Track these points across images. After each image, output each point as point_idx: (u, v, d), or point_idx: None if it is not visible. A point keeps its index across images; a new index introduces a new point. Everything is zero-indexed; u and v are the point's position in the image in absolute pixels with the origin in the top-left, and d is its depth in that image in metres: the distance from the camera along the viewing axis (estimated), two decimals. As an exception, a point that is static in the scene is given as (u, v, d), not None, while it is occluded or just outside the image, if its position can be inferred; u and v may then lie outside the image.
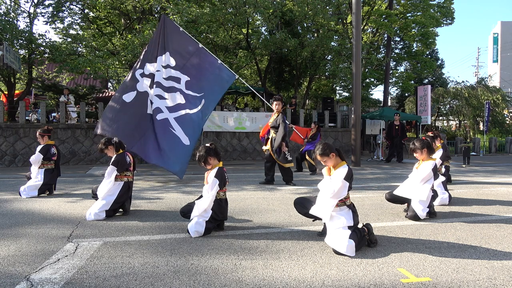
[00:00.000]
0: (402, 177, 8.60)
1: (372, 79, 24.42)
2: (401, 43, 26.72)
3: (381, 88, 24.37)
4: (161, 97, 8.01)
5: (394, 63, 26.58)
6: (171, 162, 7.90)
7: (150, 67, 8.16)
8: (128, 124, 8.06)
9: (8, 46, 13.22)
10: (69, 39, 16.12)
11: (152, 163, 8.20)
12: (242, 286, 2.81)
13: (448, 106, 29.61)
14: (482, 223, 4.72)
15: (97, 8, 16.43)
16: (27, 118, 14.31)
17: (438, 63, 32.85)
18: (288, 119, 15.17)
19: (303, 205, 4.08)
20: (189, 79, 7.94)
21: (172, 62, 8.02)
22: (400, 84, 26.68)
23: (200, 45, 7.89)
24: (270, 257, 3.42)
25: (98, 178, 8.81)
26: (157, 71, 8.06)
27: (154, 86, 8.06)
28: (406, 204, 5.10)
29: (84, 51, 15.67)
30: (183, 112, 7.98)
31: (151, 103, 8.09)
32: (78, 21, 18.03)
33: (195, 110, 7.94)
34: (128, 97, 8.18)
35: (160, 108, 8.02)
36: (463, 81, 41.98)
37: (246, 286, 2.82)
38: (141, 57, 8.49)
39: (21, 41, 14.99)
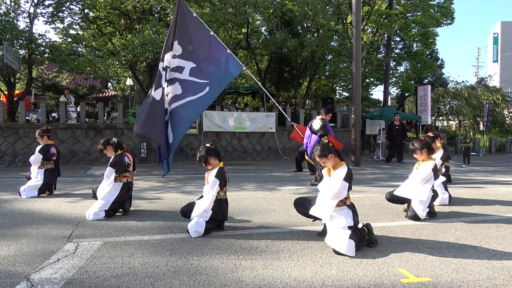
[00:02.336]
0: (402, 177, 8.60)
1: (372, 79, 24.41)
2: (401, 43, 26.71)
3: (381, 88, 24.38)
4: (167, 93, 7.83)
5: (394, 63, 26.57)
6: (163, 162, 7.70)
7: (167, 57, 7.99)
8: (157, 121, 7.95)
9: (8, 46, 13.21)
10: (69, 39, 16.10)
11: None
12: (242, 286, 2.81)
13: (448, 106, 29.62)
14: (482, 223, 4.72)
15: (97, 8, 16.42)
16: (27, 118, 14.30)
17: (438, 63, 32.84)
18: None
19: (303, 205, 4.08)
20: (195, 65, 7.75)
21: (178, 51, 7.86)
22: (400, 84, 26.67)
23: (211, 33, 7.79)
24: (270, 257, 3.42)
25: (98, 178, 8.81)
26: (167, 64, 7.86)
27: (166, 81, 7.87)
28: (406, 204, 5.10)
29: (84, 51, 15.66)
30: (177, 104, 7.77)
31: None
32: (78, 21, 18.02)
33: (194, 97, 7.73)
34: (157, 94, 8.03)
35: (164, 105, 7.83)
36: (463, 81, 42.06)
37: (246, 286, 2.82)
38: (163, 48, 8.32)
39: (21, 41, 14.97)
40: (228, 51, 7.70)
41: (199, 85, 7.71)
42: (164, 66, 8.07)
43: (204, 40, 7.77)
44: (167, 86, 7.84)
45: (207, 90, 7.68)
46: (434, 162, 4.97)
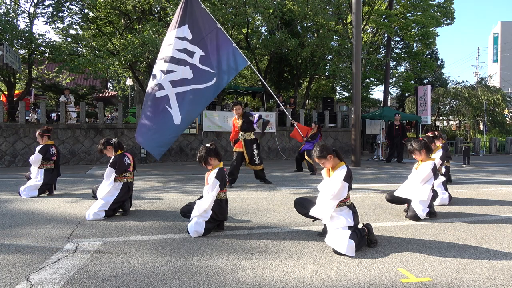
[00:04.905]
0: (402, 177, 8.60)
1: (372, 79, 24.42)
2: (401, 43, 26.72)
3: (381, 88, 24.38)
4: (169, 71, 7.53)
5: (394, 63, 26.58)
6: (154, 143, 7.39)
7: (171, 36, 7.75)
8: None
9: (8, 46, 13.21)
10: (69, 39, 16.11)
11: (137, 141, 7.77)
12: (242, 286, 2.81)
13: (448, 106, 29.62)
14: (482, 223, 4.72)
15: (97, 8, 16.43)
16: (27, 118, 14.31)
17: (438, 63, 32.87)
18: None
19: (303, 205, 4.08)
20: (204, 53, 7.65)
21: (189, 36, 7.72)
22: (400, 84, 26.69)
23: (218, 25, 7.76)
24: (270, 257, 3.42)
25: (98, 178, 8.80)
26: (169, 44, 7.65)
27: (166, 60, 7.60)
28: (406, 204, 5.10)
29: (84, 51, 15.67)
30: (187, 88, 7.58)
31: (154, 78, 7.60)
32: (78, 21, 18.03)
33: (205, 85, 7.61)
34: (150, 85, 7.82)
35: (162, 84, 7.54)
36: (463, 81, 42.12)
37: (246, 286, 2.82)
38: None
39: (21, 41, 14.98)
40: (234, 45, 7.66)
41: (207, 74, 7.58)
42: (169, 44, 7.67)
43: (211, 30, 7.68)
44: (175, 64, 7.53)
45: (214, 81, 7.57)
46: (433, 162, 4.96)
